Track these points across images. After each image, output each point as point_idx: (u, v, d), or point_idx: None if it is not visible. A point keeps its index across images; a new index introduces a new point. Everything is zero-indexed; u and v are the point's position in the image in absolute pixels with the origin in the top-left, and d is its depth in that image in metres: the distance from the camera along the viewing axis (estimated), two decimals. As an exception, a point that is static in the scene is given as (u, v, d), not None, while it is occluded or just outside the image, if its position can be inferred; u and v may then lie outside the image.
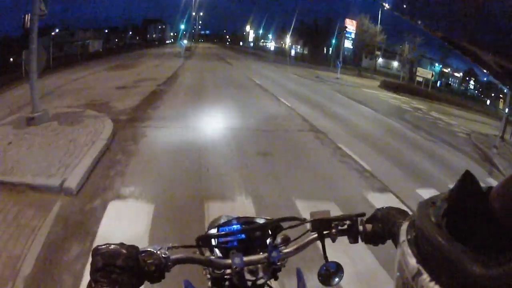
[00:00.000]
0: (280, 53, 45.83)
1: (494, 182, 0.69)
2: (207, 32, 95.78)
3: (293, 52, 46.55)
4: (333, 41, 35.84)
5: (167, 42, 69.28)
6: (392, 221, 0.84)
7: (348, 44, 35.34)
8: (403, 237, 0.46)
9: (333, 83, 19.54)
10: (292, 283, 1.09)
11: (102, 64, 17.80)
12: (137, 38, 54.10)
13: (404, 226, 0.47)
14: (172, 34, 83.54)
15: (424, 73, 31.20)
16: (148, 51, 33.75)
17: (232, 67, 22.73)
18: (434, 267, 0.39)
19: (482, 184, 0.43)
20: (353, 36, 35.10)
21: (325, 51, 43.81)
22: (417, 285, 0.40)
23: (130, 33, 54.71)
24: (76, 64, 18.34)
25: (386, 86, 24.27)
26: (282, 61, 36.09)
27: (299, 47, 50.43)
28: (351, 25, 34.06)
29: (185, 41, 54.00)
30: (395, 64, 37.54)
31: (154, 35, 68.56)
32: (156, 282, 0.74)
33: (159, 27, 72.07)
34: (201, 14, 64.60)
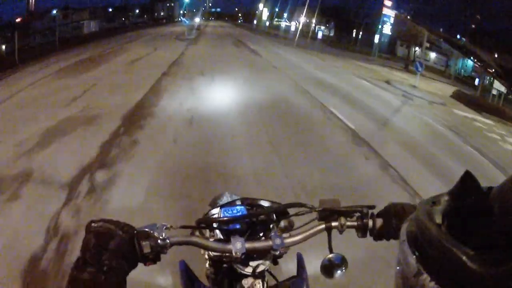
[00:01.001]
0: (301, 34, 38.58)
1: None
2: (218, 10, 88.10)
3: (320, 34, 40.31)
4: (379, 26, 28.90)
5: (177, 20, 63.59)
6: (403, 217, 0.78)
7: (387, 29, 29.73)
8: (403, 236, 0.46)
9: (431, 105, 11.79)
10: (290, 267, 1.03)
11: (68, 58, 12.38)
12: (145, 16, 50.08)
13: (404, 226, 0.48)
14: (182, 12, 76.34)
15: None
16: (148, 31, 28.30)
17: (262, 60, 15.39)
18: (434, 267, 0.40)
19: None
20: (391, 20, 28.04)
21: (354, 35, 37.48)
22: (417, 284, 0.41)
23: (137, 11, 49.40)
24: (43, 56, 12.98)
25: (462, 99, 15.03)
26: (311, 45, 29.06)
27: (322, 27, 42.85)
28: (389, 9, 27.06)
29: (197, 19, 47.96)
30: (432, 55, 29.72)
31: (162, 13, 63.42)
32: (150, 264, 0.71)
33: (168, 4, 67.05)
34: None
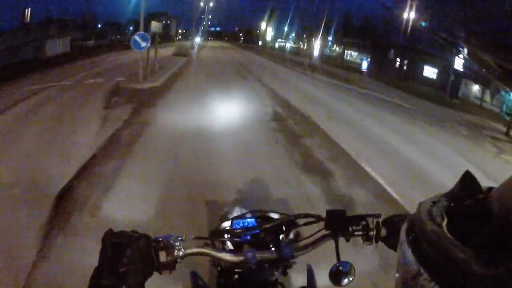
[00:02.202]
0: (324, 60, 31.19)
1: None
2: (218, 29, 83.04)
3: (365, 65, 28.65)
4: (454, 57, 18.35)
5: (175, 39, 62.54)
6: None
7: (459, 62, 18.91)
8: (403, 237, 0.47)
9: None
10: (300, 279, 1.05)
11: None
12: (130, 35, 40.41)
13: (404, 226, 0.48)
14: (181, 30, 71.08)
15: None
16: (114, 57, 21.59)
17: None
18: (434, 267, 0.40)
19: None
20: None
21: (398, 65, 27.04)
22: (417, 285, 0.41)
23: (131, 28, 46.92)
24: None
25: None
26: (370, 85, 17.93)
27: (354, 53, 34.76)
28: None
29: (197, 39, 45.43)
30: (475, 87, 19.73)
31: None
32: (166, 273, 0.74)
33: (163, 22, 58.94)
34: (211, 5, 58.44)
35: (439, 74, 20.65)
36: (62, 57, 20.10)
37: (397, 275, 0.46)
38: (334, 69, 23.41)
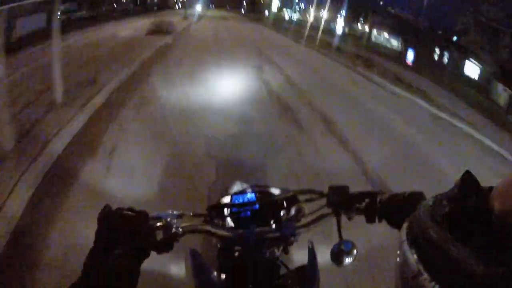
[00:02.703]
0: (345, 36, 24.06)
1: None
2: (220, -5, 77.05)
3: (410, 56, 17.10)
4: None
5: (175, 7, 59.03)
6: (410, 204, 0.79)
7: None
8: (403, 236, 0.47)
9: None
10: (301, 257, 1.01)
11: None
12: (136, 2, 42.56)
13: (404, 226, 0.49)
14: None
15: None
16: (103, 29, 16.69)
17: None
18: (434, 267, 0.41)
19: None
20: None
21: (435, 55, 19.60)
22: (417, 285, 0.42)
23: None
24: None
25: None
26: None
27: (386, 33, 26.49)
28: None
29: (198, 7, 39.53)
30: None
31: None
32: (164, 252, 0.74)
33: None
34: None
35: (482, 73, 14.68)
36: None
37: (397, 274, 0.46)
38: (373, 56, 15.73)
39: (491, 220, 0.41)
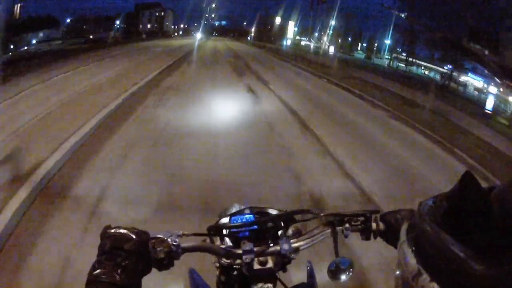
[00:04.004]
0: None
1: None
2: (223, 23, 69.63)
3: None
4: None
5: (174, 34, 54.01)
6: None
7: None
8: (403, 237, 0.49)
9: None
10: (300, 275, 1.10)
11: None
12: (122, 29, 38.04)
13: (404, 226, 0.51)
14: (177, 26, 59.56)
15: None
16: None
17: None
18: (434, 267, 0.42)
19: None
20: None
21: None
22: (417, 285, 0.43)
23: (118, 23, 37.29)
24: None
25: None
26: None
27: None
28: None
29: (198, 34, 41.66)
30: None
31: (148, 25, 51.13)
32: (164, 269, 0.78)
33: (156, 14, 53.27)
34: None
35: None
36: None
37: (397, 274, 0.48)
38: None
39: (491, 220, 0.43)
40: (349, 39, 39.76)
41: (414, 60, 28.73)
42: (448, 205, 0.47)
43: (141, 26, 47.82)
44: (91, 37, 30.34)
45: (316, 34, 40.51)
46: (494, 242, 0.40)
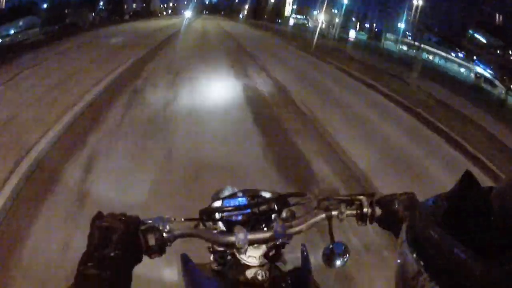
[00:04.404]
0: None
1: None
2: (214, 0, 66.74)
3: None
4: None
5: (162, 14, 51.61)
6: (401, 206, 0.89)
7: None
8: (403, 236, 0.49)
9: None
10: (294, 260, 1.05)
11: None
12: (108, 11, 33.88)
13: (404, 226, 0.51)
14: (166, 4, 57.72)
15: None
16: None
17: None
18: (434, 267, 0.42)
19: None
20: None
21: None
22: (417, 285, 0.43)
23: (101, 4, 32.96)
24: None
25: None
26: None
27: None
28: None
29: (188, 12, 38.74)
30: None
31: (134, 5, 45.59)
32: (156, 257, 0.78)
33: None
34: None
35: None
36: None
37: (397, 274, 0.48)
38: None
39: (492, 220, 0.43)
40: (353, 18, 37.35)
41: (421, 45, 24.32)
42: (448, 205, 0.47)
43: (125, 7, 46.06)
44: (67, 21, 28.00)
45: (315, 12, 37.83)
46: (494, 242, 0.40)
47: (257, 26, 36.15)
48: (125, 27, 25.43)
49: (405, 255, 0.45)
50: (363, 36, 38.12)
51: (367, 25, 39.20)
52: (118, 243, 0.68)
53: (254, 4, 53.88)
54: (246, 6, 55.51)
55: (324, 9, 31.46)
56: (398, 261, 0.47)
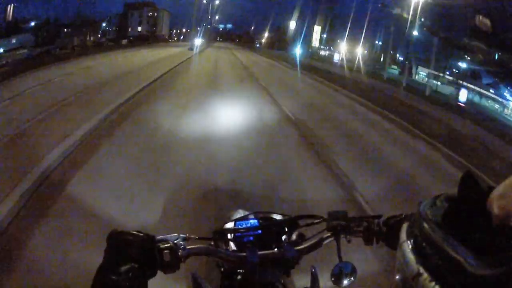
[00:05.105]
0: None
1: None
2: (229, 26, 62.06)
3: None
4: None
5: (169, 39, 46.21)
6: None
7: None
8: (403, 237, 0.50)
9: None
10: (303, 280, 1.07)
11: None
12: (108, 35, 32.29)
13: (405, 227, 0.51)
14: (177, 29, 53.96)
15: None
16: None
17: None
18: (434, 267, 0.43)
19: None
20: None
21: None
22: (417, 285, 0.43)
23: (104, 24, 32.05)
24: None
25: None
26: None
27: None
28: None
29: (196, 41, 33.08)
30: None
31: (139, 28, 41.64)
32: (170, 272, 0.81)
33: (149, 14, 43.61)
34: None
35: None
36: None
37: (397, 274, 0.49)
38: None
39: (491, 220, 0.43)
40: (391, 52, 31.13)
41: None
42: (448, 205, 0.47)
43: (130, 30, 42.04)
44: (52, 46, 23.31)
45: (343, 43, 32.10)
46: (494, 242, 0.41)
47: (292, 62, 27.17)
48: (106, 59, 18.39)
49: (405, 255, 0.45)
50: (395, 70, 32.10)
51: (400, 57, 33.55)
52: (134, 258, 0.73)
53: (274, 32, 48.40)
54: (265, 34, 50.85)
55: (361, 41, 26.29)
56: (398, 261, 0.47)
